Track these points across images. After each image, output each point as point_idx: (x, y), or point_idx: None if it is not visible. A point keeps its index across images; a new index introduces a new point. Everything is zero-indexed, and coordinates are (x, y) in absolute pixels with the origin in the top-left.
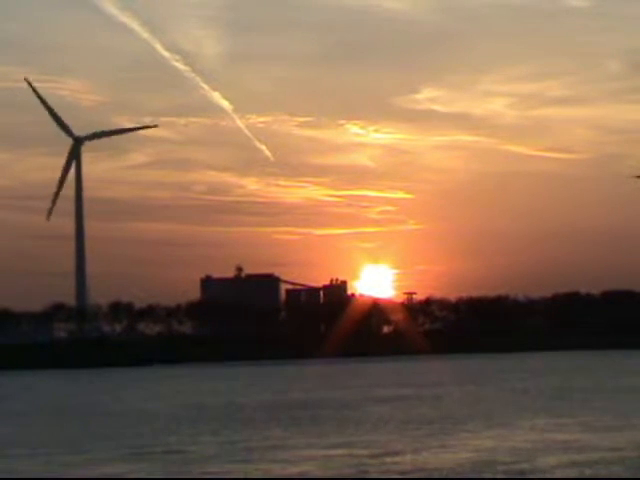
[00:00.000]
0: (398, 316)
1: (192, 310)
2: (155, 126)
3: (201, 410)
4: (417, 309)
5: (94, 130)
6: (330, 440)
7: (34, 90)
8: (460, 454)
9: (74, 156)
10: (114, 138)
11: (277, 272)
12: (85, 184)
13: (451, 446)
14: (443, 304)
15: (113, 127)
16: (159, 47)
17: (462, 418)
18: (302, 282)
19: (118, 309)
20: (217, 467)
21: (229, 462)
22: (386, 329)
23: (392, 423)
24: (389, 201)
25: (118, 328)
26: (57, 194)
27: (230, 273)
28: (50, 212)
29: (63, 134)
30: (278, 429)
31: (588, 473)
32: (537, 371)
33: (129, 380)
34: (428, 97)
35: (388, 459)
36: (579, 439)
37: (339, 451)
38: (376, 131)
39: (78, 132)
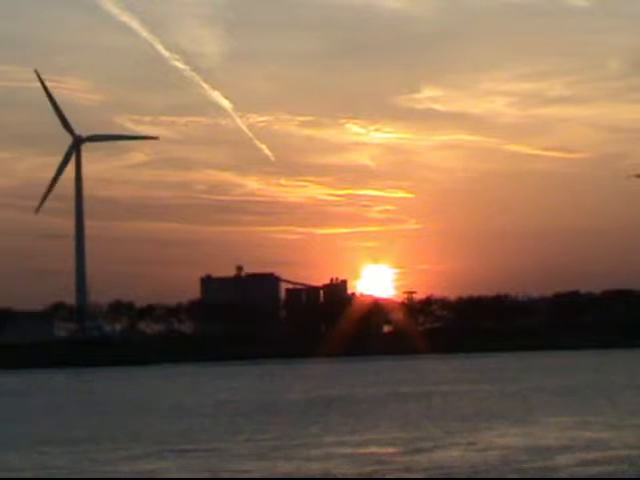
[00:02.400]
0: (398, 315)
1: (192, 309)
2: (156, 138)
3: (227, 407)
4: (417, 308)
5: (95, 131)
6: (361, 437)
7: (43, 84)
8: (487, 452)
9: (72, 154)
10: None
11: (277, 271)
12: (85, 183)
13: (477, 444)
14: (443, 303)
15: (113, 126)
16: (159, 46)
17: (488, 416)
18: (302, 281)
19: (118, 308)
20: (249, 465)
21: (261, 459)
22: (386, 328)
23: (421, 420)
24: (389, 200)
25: (118, 327)
26: (50, 190)
27: (230, 272)
28: (39, 207)
29: (63, 132)
30: (310, 426)
31: (603, 472)
32: (548, 370)
33: (137, 379)
34: (428, 96)
35: (416, 457)
36: (605, 438)
37: (368, 449)
38: (377, 130)
39: (78, 131)
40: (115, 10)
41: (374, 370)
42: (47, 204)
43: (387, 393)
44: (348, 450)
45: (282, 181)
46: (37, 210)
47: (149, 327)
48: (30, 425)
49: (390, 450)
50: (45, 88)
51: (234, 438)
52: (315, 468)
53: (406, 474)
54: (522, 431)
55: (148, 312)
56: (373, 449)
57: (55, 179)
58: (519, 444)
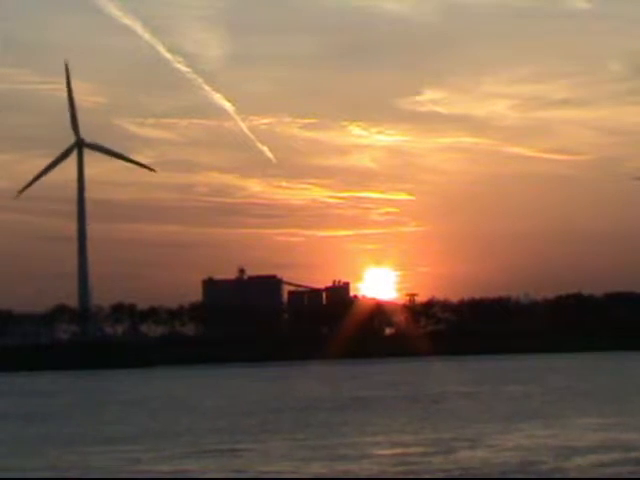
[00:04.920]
0: (400, 318)
1: (194, 312)
2: (153, 170)
3: (255, 408)
4: (419, 311)
5: (97, 133)
6: (389, 438)
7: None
8: (516, 452)
9: (71, 154)
10: (117, 139)
11: (279, 274)
12: (87, 185)
13: (502, 445)
14: (445, 306)
15: (115, 128)
16: (161, 49)
17: (516, 416)
18: (304, 284)
19: (120, 311)
20: (285, 465)
21: (290, 460)
22: (388, 331)
23: (451, 420)
24: (391, 203)
25: (120, 330)
26: (36, 179)
27: (232, 275)
28: (22, 190)
29: (65, 134)
30: (341, 427)
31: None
32: (557, 372)
33: (145, 381)
34: (430, 99)
35: (446, 458)
36: (634, 439)
37: (399, 449)
38: (379, 132)
39: (81, 135)
40: (117, 12)
41: (379, 372)
42: (49, 205)
43: (403, 395)
44: (381, 451)
45: (284, 183)
46: (20, 192)
47: (151, 329)
48: (61, 425)
49: (421, 450)
50: (68, 84)
51: (268, 438)
52: (349, 468)
53: (436, 475)
54: (550, 432)
55: (150, 314)
56: (405, 449)
57: (46, 171)
58: (548, 445)
